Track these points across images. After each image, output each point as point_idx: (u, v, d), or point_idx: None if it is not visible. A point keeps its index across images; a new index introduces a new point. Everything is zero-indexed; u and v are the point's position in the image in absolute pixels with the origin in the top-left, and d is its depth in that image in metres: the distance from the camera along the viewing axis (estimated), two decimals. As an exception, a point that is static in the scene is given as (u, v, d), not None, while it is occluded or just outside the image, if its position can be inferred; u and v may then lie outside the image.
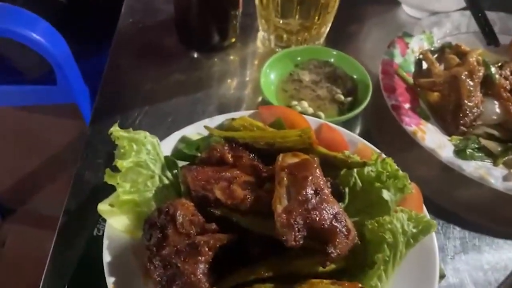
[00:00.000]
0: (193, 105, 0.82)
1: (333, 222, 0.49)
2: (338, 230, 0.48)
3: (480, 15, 0.78)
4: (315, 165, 0.53)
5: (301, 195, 0.50)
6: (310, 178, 0.52)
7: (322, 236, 0.48)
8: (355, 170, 0.61)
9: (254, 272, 0.50)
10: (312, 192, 0.51)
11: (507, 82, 0.77)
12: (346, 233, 0.49)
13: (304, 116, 0.70)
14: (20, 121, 2.10)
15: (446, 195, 0.70)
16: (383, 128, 0.79)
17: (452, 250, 0.64)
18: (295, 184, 0.51)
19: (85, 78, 1.35)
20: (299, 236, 0.47)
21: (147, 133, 0.60)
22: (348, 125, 0.78)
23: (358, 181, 0.60)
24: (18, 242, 1.75)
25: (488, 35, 0.78)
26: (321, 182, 0.52)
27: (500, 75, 0.79)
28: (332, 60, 0.84)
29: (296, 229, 0.47)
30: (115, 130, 0.58)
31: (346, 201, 0.60)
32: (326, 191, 0.52)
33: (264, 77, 0.80)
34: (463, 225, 0.66)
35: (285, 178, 0.53)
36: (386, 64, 0.82)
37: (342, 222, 0.49)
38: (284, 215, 0.48)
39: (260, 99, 0.85)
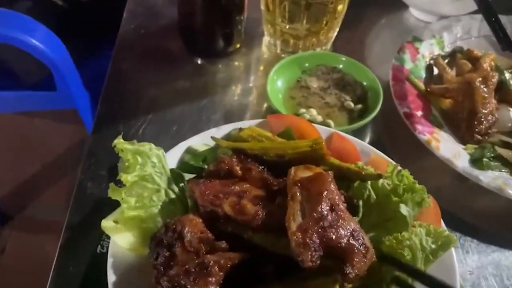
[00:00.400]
0: (198, 113, 0.80)
1: (350, 240, 0.46)
2: (355, 248, 0.46)
3: (493, 19, 0.75)
4: (330, 179, 0.51)
5: (316, 212, 0.48)
6: (325, 193, 0.49)
7: (339, 255, 0.46)
8: (369, 182, 0.58)
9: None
10: (328, 208, 0.49)
11: (522, 88, 0.75)
12: (364, 251, 0.46)
13: (314, 125, 0.68)
14: (19, 126, 2.08)
15: (462, 206, 0.68)
16: (394, 136, 0.77)
17: (471, 264, 0.61)
18: (309, 200, 0.49)
19: (85, 83, 1.32)
20: (316, 256, 0.45)
21: (152, 145, 0.58)
22: (358, 133, 0.76)
23: (373, 193, 0.58)
24: (18, 248, 1.73)
25: (503, 40, 0.76)
26: (336, 197, 0.50)
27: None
28: (340, 66, 0.82)
29: (313, 248, 0.45)
30: (119, 143, 0.55)
31: (360, 215, 0.57)
32: (342, 207, 0.49)
33: (271, 84, 0.77)
34: (481, 237, 0.64)
35: (298, 193, 0.50)
36: (396, 70, 0.79)
37: (359, 240, 0.47)
38: (299, 233, 0.46)
39: (266, 105, 0.82)
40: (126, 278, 0.52)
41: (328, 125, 0.74)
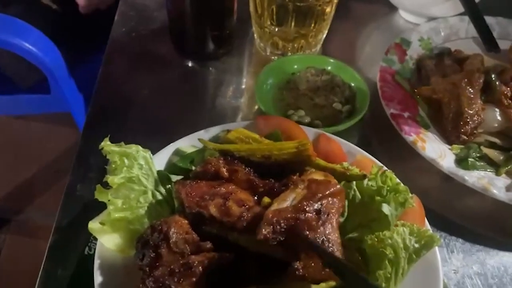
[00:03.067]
0: (188, 115, 0.81)
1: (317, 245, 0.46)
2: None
3: (479, 21, 0.76)
4: (334, 190, 0.51)
5: (301, 204, 0.49)
6: (319, 195, 0.50)
7: (301, 251, 0.46)
8: (354, 183, 0.59)
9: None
10: (315, 208, 0.49)
11: (508, 88, 0.75)
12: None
13: (302, 126, 0.69)
14: (15, 130, 2.08)
15: (448, 206, 0.68)
16: (382, 137, 0.78)
17: (456, 263, 0.62)
18: (304, 196, 0.50)
19: (79, 86, 1.33)
20: (272, 236, 0.46)
21: (140, 147, 0.59)
22: (346, 134, 0.76)
23: (358, 194, 0.59)
24: (13, 252, 1.73)
25: (488, 41, 0.77)
26: (333, 210, 0.50)
27: (500, 81, 0.77)
28: (329, 68, 0.83)
29: (273, 228, 0.46)
30: (106, 145, 0.56)
31: (346, 214, 0.58)
32: (334, 222, 0.49)
33: (259, 86, 0.78)
34: (466, 237, 0.64)
35: (300, 187, 0.52)
36: (384, 72, 0.80)
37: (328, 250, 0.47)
38: (272, 213, 0.47)
39: (256, 107, 0.83)
40: (112, 279, 0.53)
41: (316, 126, 0.74)
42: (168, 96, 0.84)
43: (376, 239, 0.52)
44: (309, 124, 0.75)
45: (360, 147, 0.67)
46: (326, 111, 0.78)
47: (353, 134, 0.78)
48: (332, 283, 0.50)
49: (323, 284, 0.49)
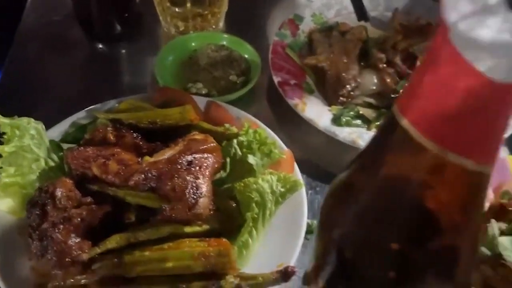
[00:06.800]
0: (95, 94, 0.84)
1: (185, 191, 0.53)
2: (185, 198, 0.53)
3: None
4: (210, 148, 0.58)
5: (174, 156, 0.56)
6: (193, 150, 0.57)
7: (170, 196, 0.53)
8: (235, 141, 0.66)
9: (127, 238, 0.54)
10: (188, 161, 0.56)
11: (383, 55, 0.84)
12: (190, 203, 0.53)
13: (194, 96, 0.75)
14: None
15: (326, 160, 0.77)
16: (273, 104, 0.85)
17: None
18: (180, 151, 0.57)
19: None
20: (142, 182, 0.53)
21: (32, 119, 0.63)
22: (243, 104, 0.83)
23: (238, 151, 0.65)
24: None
25: (359, 11, 0.85)
26: (205, 164, 0.57)
27: (380, 49, 0.86)
28: (226, 43, 0.89)
29: (144, 175, 0.53)
30: (-3, 118, 0.61)
31: (228, 170, 0.65)
32: (207, 174, 0.56)
33: (159, 63, 0.83)
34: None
35: (180, 144, 0.59)
36: (276, 45, 0.87)
37: (194, 196, 0.54)
38: (146, 164, 0.55)
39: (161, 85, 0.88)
40: (6, 239, 0.58)
41: (213, 96, 0.81)
42: (76, 77, 0.89)
43: (242, 185, 0.59)
44: (206, 95, 0.81)
45: (253, 114, 0.74)
46: (223, 83, 0.84)
47: (249, 104, 0.85)
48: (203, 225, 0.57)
49: (197, 227, 0.57)
